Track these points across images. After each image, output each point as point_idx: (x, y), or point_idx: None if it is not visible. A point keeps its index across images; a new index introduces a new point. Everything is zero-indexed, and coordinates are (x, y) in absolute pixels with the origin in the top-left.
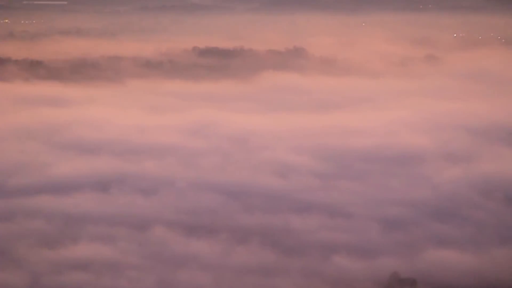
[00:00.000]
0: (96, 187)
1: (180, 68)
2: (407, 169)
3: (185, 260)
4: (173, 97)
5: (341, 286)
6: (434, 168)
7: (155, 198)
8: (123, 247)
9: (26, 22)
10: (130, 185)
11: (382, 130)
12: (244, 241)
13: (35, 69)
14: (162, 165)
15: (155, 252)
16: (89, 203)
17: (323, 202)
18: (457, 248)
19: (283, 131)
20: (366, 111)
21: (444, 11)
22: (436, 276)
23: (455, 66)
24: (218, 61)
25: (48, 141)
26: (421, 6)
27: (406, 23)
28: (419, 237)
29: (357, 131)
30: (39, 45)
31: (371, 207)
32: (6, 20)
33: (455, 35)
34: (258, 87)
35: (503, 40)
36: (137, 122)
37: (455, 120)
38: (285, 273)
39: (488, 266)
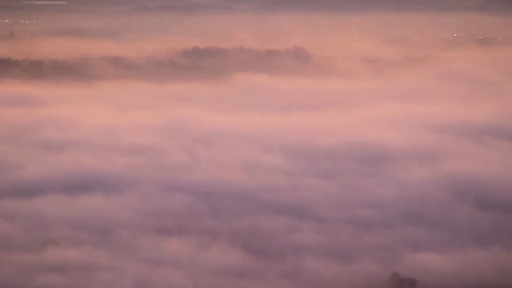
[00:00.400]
0: (65, 188)
1: (174, 68)
2: (378, 169)
3: (156, 261)
4: (153, 97)
5: None
6: (405, 168)
7: (125, 198)
8: (93, 248)
9: (26, 22)
10: (100, 186)
11: (356, 130)
12: (215, 242)
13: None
14: (133, 165)
15: (125, 253)
16: (58, 205)
17: (295, 203)
18: (435, 249)
19: (259, 131)
20: (344, 111)
21: (444, 11)
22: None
23: (448, 66)
24: (213, 61)
25: (19, 141)
26: (421, 6)
27: (406, 23)
28: (390, 239)
29: (330, 131)
30: (39, 45)
31: (343, 208)
32: (6, 20)
33: (455, 35)
34: (238, 88)
35: (504, 40)
36: (111, 122)
37: (429, 121)
38: (257, 275)
39: (469, 267)
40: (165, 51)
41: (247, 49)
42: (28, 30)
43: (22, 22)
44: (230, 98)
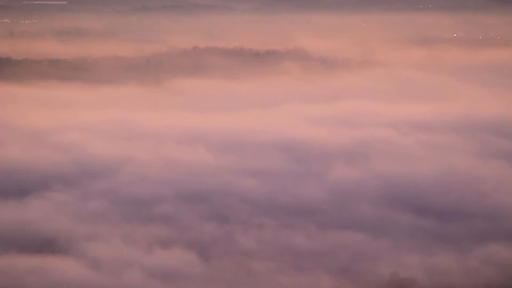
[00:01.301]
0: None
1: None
2: (309, 169)
3: (86, 265)
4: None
5: None
6: (334, 168)
7: (54, 200)
8: (21, 252)
9: (26, 22)
10: (25, 187)
11: (283, 130)
12: (150, 247)
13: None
14: (60, 165)
15: (57, 255)
16: None
17: (224, 204)
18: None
19: (192, 132)
20: (272, 111)
21: (444, 11)
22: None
23: (412, 66)
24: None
25: None
26: (421, 6)
27: (406, 23)
28: (320, 244)
29: (260, 131)
30: (39, 45)
31: (273, 209)
32: (6, 20)
33: (455, 35)
34: (177, 90)
35: (503, 40)
36: (41, 123)
37: (358, 120)
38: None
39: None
40: (165, 51)
41: (247, 49)
42: (28, 30)
43: (22, 22)
44: (171, 100)
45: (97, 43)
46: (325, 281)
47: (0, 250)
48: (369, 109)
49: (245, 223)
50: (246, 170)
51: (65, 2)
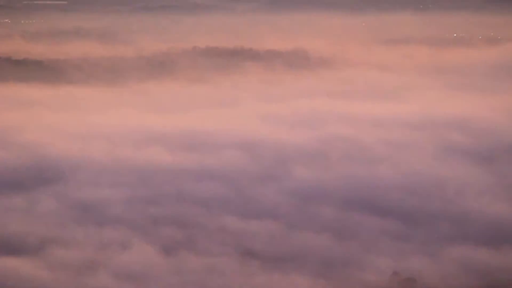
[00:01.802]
0: None
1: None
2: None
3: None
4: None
5: None
6: (294, 168)
7: (7, 201)
8: None
9: (26, 22)
10: None
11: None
12: (107, 249)
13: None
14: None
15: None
16: None
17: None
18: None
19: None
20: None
21: (444, 11)
22: None
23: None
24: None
25: None
26: (421, 6)
27: (406, 23)
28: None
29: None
30: (39, 45)
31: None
32: (6, 20)
33: (455, 35)
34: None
35: (502, 40)
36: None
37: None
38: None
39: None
40: (165, 51)
41: (247, 48)
42: (28, 30)
43: (22, 22)
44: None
45: (67, 42)
46: (290, 283)
47: None
48: (335, 109)
49: (204, 225)
50: (205, 171)
51: (65, 2)
